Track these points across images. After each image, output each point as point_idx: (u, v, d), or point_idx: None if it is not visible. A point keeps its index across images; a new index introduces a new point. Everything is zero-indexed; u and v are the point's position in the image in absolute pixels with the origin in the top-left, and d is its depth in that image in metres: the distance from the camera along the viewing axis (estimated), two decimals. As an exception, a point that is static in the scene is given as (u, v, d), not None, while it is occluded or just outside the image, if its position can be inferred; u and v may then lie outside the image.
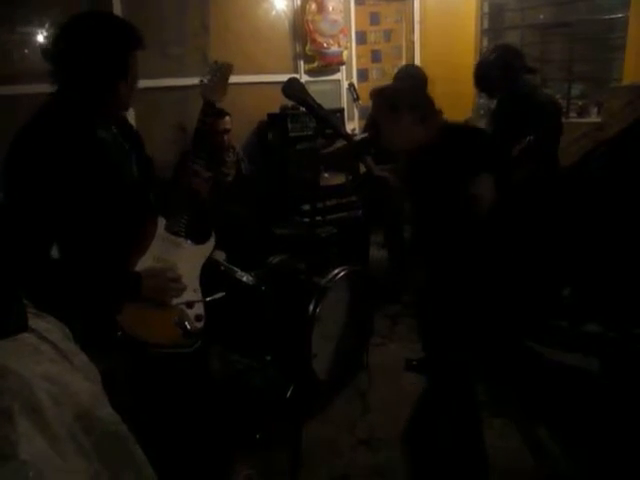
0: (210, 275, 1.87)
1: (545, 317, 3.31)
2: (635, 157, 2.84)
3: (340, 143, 2.62)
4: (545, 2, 4.86)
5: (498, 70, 3.05)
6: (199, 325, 1.70)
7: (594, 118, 4.10)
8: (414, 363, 2.91)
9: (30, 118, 1.56)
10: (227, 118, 3.36)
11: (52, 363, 1.19)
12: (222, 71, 1.89)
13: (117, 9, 3.42)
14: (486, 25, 5.03)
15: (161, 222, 1.74)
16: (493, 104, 3.31)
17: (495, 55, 3.10)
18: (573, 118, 4.25)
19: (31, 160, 1.50)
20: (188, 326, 1.63)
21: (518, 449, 2.38)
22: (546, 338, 3.18)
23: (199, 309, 1.73)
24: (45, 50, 1.57)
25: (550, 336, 3.20)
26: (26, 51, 3.23)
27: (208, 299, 1.76)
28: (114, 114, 1.71)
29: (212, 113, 1.87)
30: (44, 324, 1.28)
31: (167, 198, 1.83)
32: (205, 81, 1.87)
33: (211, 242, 1.89)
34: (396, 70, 4.14)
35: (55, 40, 1.55)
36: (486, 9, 5.02)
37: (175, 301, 1.69)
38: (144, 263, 1.67)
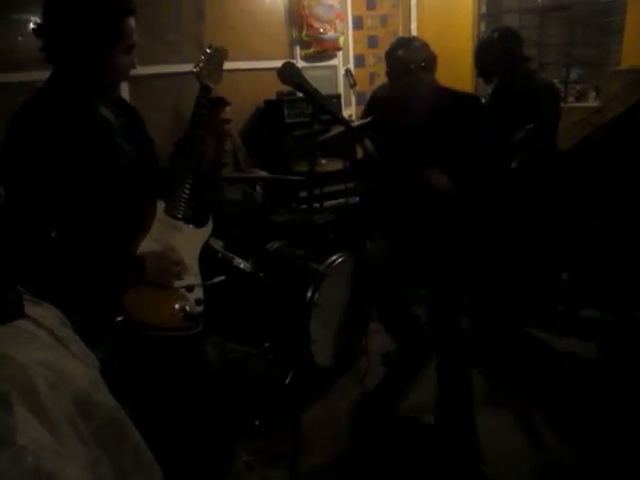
0: (208, 261, 1.87)
1: (543, 302, 3.33)
2: (634, 141, 2.84)
3: (337, 129, 2.60)
4: (543, -15, 4.84)
5: (498, 54, 3.03)
6: (199, 309, 1.69)
7: (592, 102, 4.09)
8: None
9: (28, 98, 1.54)
10: (228, 108, 3.34)
11: (49, 349, 1.18)
12: (217, 55, 1.89)
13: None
14: (484, 9, 4.98)
15: (160, 205, 1.74)
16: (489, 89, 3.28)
17: (495, 38, 3.07)
18: (571, 102, 4.23)
19: (30, 140, 1.48)
20: (188, 309, 1.63)
21: (513, 434, 2.38)
22: (544, 323, 3.20)
23: (199, 293, 1.72)
24: (36, 27, 1.53)
25: (548, 321, 3.22)
26: (20, 39, 3.20)
27: (208, 283, 1.76)
28: (113, 86, 1.66)
29: (210, 98, 1.86)
30: (40, 310, 1.28)
31: (169, 174, 1.82)
32: (200, 66, 1.86)
33: (209, 226, 1.88)
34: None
35: (44, 13, 1.52)
36: (484, -7, 4.98)
37: (176, 284, 1.68)
38: (145, 246, 1.66)
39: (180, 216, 1.77)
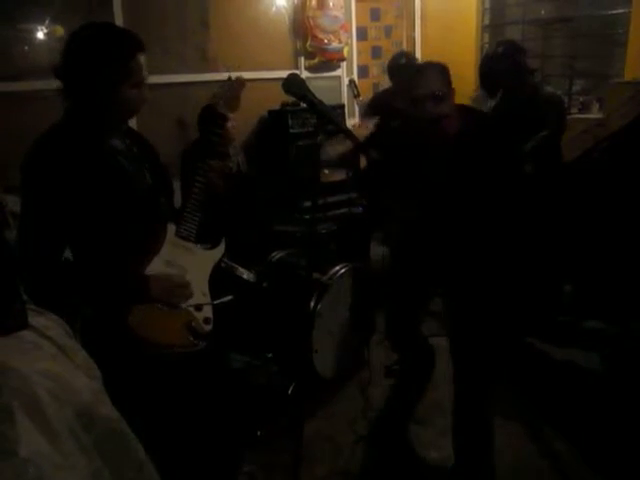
0: (216, 276, 1.90)
1: (547, 314, 3.32)
2: (637, 153, 2.84)
3: (341, 139, 2.60)
4: (546, -3, 4.85)
5: (505, 67, 3.03)
6: (207, 328, 1.74)
7: (596, 114, 4.08)
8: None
9: (44, 131, 1.63)
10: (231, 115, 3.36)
11: (52, 360, 1.18)
12: (234, 86, 1.93)
13: (117, 6, 3.41)
14: (487, 21, 5.00)
15: (171, 228, 1.78)
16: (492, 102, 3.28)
17: (501, 51, 3.08)
18: (575, 114, 4.22)
19: (45, 170, 1.56)
20: (195, 327, 1.68)
21: (518, 445, 2.37)
22: (548, 334, 3.18)
23: (208, 312, 1.76)
24: (54, 68, 1.62)
25: (552, 332, 3.20)
26: (26, 48, 3.22)
27: (216, 302, 1.80)
28: (124, 119, 1.75)
29: (220, 123, 1.89)
30: (44, 321, 1.28)
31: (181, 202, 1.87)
32: (216, 97, 1.91)
33: (221, 247, 1.92)
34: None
35: (61, 56, 1.62)
36: (487, 4, 4.99)
37: (184, 304, 1.72)
38: (155, 268, 1.71)
39: (191, 238, 1.81)
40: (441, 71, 2.09)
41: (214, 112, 1.86)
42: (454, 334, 2.19)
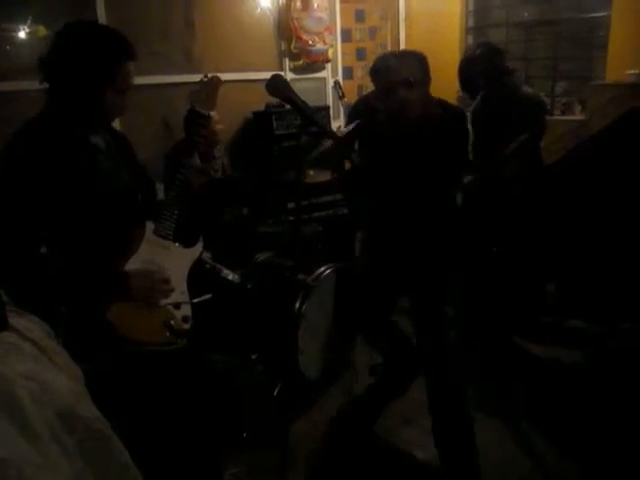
0: (196, 275, 1.89)
1: (530, 313, 3.35)
2: (618, 154, 2.88)
3: (326, 141, 2.61)
4: (529, 0, 4.90)
5: (481, 69, 3.06)
6: (186, 326, 1.74)
7: (578, 116, 4.14)
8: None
9: (23, 125, 1.61)
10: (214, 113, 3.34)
11: (33, 362, 1.17)
12: (210, 85, 1.90)
13: (100, 6, 3.40)
14: (471, 23, 5.05)
15: (149, 226, 1.77)
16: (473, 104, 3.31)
17: (478, 54, 3.10)
18: (557, 115, 4.28)
19: (22, 164, 1.54)
20: (174, 325, 1.67)
21: (502, 444, 2.39)
22: (531, 333, 3.21)
23: (186, 310, 1.76)
24: (41, 60, 1.60)
25: (535, 331, 3.23)
26: (8, 48, 3.20)
27: (195, 301, 1.79)
28: (106, 121, 1.75)
29: (202, 123, 1.87)
30: (25, 322, 1.27)
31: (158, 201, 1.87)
32: (194, 95, 1.88)
33: (199, 245, 1.91)
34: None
35: (47, 51, 1.60)
36: (471, 7, 5.04)
37: (163, 302, 1.71)
38: (132, 265, 1.70)
39: (169, 236, 1.80)
40: (418, 59, 2.09)
41: (195, 112, 1.85)
42: (419, 332, 2.21)
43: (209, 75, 1.92)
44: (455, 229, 2.31)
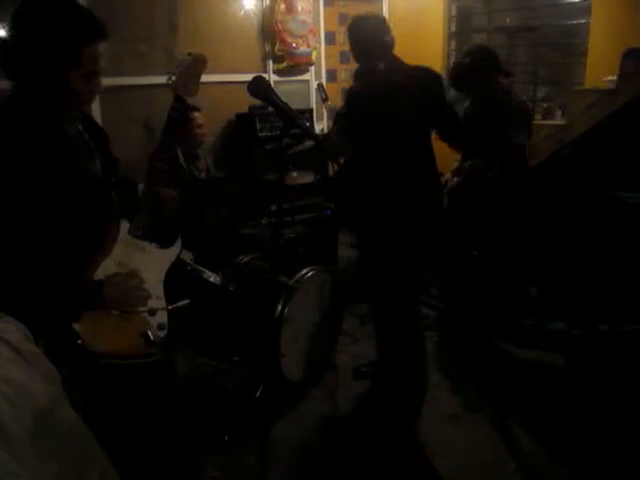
0: (176, 277, 1.77)
1: (512, 315, 3.38)
2: (599, 157, 2.92)
3: (308, 143, 2.62)
4: (511, 7, 4.95)
5: (471, 73, 3.10)
6: (162, 334, 1.60)
7: (559, 120, 4.19)
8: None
9: None
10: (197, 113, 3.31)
11: (10, 364, 1.15)
12: (194, 63, 1.76)
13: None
14: (454, 28, 5.08)
15: (124, 225, 1.65)
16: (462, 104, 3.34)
17: (469, 58, 3.13)
18: (538, 120, 4.32)
19: None
20: (151, 336, 1.51)
21: (487, 445, 2.41)
22: (513, 336, 3.24)
23: (162, 317, 1.63)
24: None
25: (517, 334, 3.26)
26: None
27: (171, 307, 1.65)
28: (68, 109, 1.57)
29: (184, 108, 1.74)
30: (2, 325, 1.24)
31: (133, 201, 1.73)
32: (175, 76, 1.73)
33: (177, 246, 1.76)
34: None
35: (7, 27, 1.45)
36: (454, 12, 5.07)
37: (137, 309, 1.59)
38: (105, 268, 1.58)
39: (145, 237, 1.67)
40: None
41: (180, 100, 1.71)
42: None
43: (193, 53, 1.77)
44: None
